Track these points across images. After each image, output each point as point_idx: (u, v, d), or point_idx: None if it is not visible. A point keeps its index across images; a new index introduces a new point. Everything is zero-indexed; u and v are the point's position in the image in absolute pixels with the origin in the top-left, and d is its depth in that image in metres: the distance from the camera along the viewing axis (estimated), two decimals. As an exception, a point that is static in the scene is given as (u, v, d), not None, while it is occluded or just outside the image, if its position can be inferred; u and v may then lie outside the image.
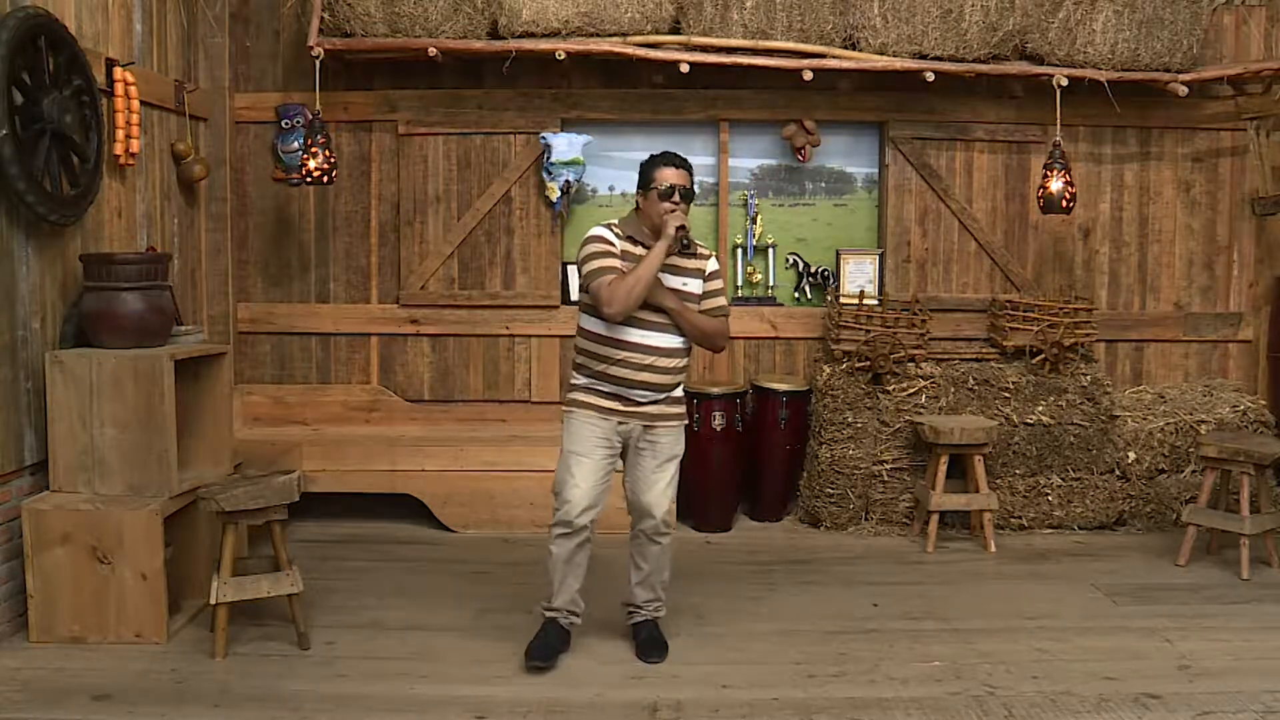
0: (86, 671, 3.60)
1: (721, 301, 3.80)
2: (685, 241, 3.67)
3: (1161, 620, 4.16)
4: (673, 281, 3.69)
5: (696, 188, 5.95)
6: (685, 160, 3.73)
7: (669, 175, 3.65)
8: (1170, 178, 5.95)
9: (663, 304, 3.63)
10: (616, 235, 3.71)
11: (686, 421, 3.85)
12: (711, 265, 3.79)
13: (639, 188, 3.73)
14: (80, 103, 4.13)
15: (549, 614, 3.78)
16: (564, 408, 3.80)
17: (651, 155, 3.75)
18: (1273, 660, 3.76)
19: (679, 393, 3.79)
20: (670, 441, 3.75)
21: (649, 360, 3.65)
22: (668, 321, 3.66)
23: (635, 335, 3.64)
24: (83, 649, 3.79)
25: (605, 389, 3.69)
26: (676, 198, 3.64)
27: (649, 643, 3.79)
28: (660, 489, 3.74)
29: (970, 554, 5.12)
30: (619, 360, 3.65)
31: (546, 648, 3.70)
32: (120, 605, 3.83)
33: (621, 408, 3.70)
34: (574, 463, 3.68)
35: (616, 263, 3.63)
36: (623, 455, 3.79)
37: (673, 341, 3.69)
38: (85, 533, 3.81)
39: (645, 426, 3.72)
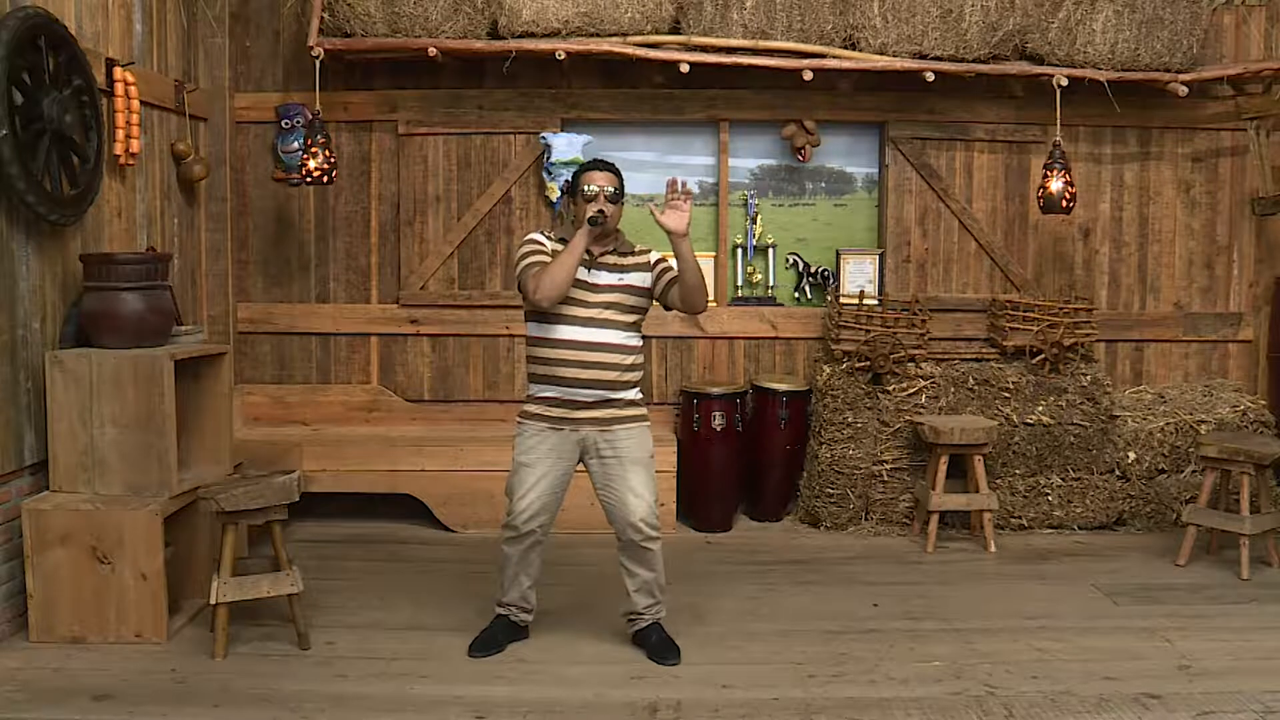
0: (86, 671, 3.60)
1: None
2: (599, 220, 3.64)
3: (1161, 620, 4.16)
4: (610, 278, 3.72)
5: (697, 187, 6.06)
6: (611, 165, 3.81)
7: (594, 179, 3.72)
8: (1170, 178, 5.95)
9: (681, 256, 3.62)
10: (548, 238, 3.80)
11: (649, 424, 3.83)
12: (655, 255, 3.83)
13: (569, 195, 3.82)
14: (80, 103, 4.12)
15: (499, 610, 3.91)
16: (518, 418, 3.85)
17: (581, 164, 3.86)
18: (1273, 660, 3.76)
19: (634, 395, 3.78)
20: (633, 444, 3.73)
21: (589, 357, 3.67)
22: (607, 318, 3.69)
23: (573, 333, 3.67)
24: (83, 649, 3.79)
25: (552, 395, 3.73)
26: (602, 199, 3.69)
27: (661, 645, 3.79)
28: (632, 491, 3.70)
29: (970, 554, 5.12)
30: (560, 360, 3.69)
31: (489, 641, 3.84)
32: (120, 605, 3.83)
33: (571, 414, 3.71)
34: (523, 472, 3.75)
35: (546, 259, 3.70)
36: (587, 468, 3.79)
37: (613, 337, 3.69)
38: (85, 533, 3.81)
39: (601, 432, 3.72)
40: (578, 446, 3.75)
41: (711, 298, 5.97)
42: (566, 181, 5.67)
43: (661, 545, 3.81)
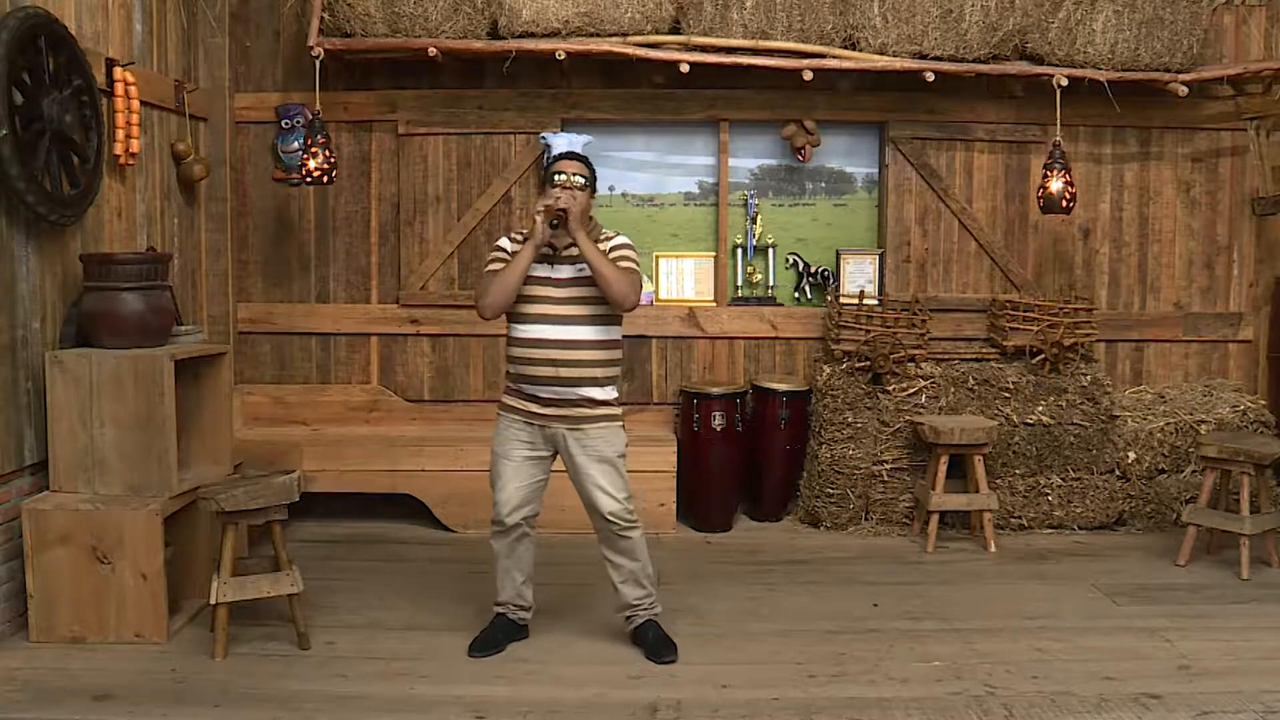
0: (86, 671, 3.60)
1: (626, 264, 3.72)
2: (555, 221, 3.64)
3: (1161, 620, 4.16)
4: (571, 271, 3.70)
5: (697, 187, 6.05)
6: (580, 156, 3.85)
7: (564, 166, 3.74)
8: (1170, 178, 5.95)
9: (579, 246, 3.61)
10: (514, 239, 3.81)
11: (621, 423, 3.80)
12: (614, 243, 3.76)
13: (541, 187, 3.88)
14: (80, 103, 4.13)
15: (497, 608, 3.92)
16: (497, 410, 3.88)
17: (554, 156, 3.88)
18: (1273, 660, 3.76)
19: (602, 394, 3.73)
20: (599, 442, 3.71)
21: (548, 354, 3.66)
22: (570, 314, 3.67)
23: (536, 330, 3.68)
24: (83, 649, 3.79)
25: (524, 390, 3.75)
26: (570, 188, 3.68)
27: (657, 642, 3.79)
28: (599, 490, 3.70)
29: (970, 554, 5.12)
30: (523, 358, 3.71)
31: (487, 641, 3.84)
32: (120, 605, 3.84)
33: (538, 410, 3.73)
34: (499, 464, 3.80)
35: (500, 268, 3.75)
36: (563, 462, 3.80)
37: (576, 333, 3.67)
38: (85, 533, 3.82)
39: (569, 429, 3.71)
40: (549, 441, 3.76)
41: (711, 297, 6.00)
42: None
43: (643, 535, 3.80)
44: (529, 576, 3.90)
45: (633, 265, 3.73)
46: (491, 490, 3.83)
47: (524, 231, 3.80)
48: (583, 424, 3.71)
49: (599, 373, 3.72)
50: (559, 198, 3.65)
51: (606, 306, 3.72)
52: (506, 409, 3.82)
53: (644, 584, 3.84)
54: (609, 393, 3.77)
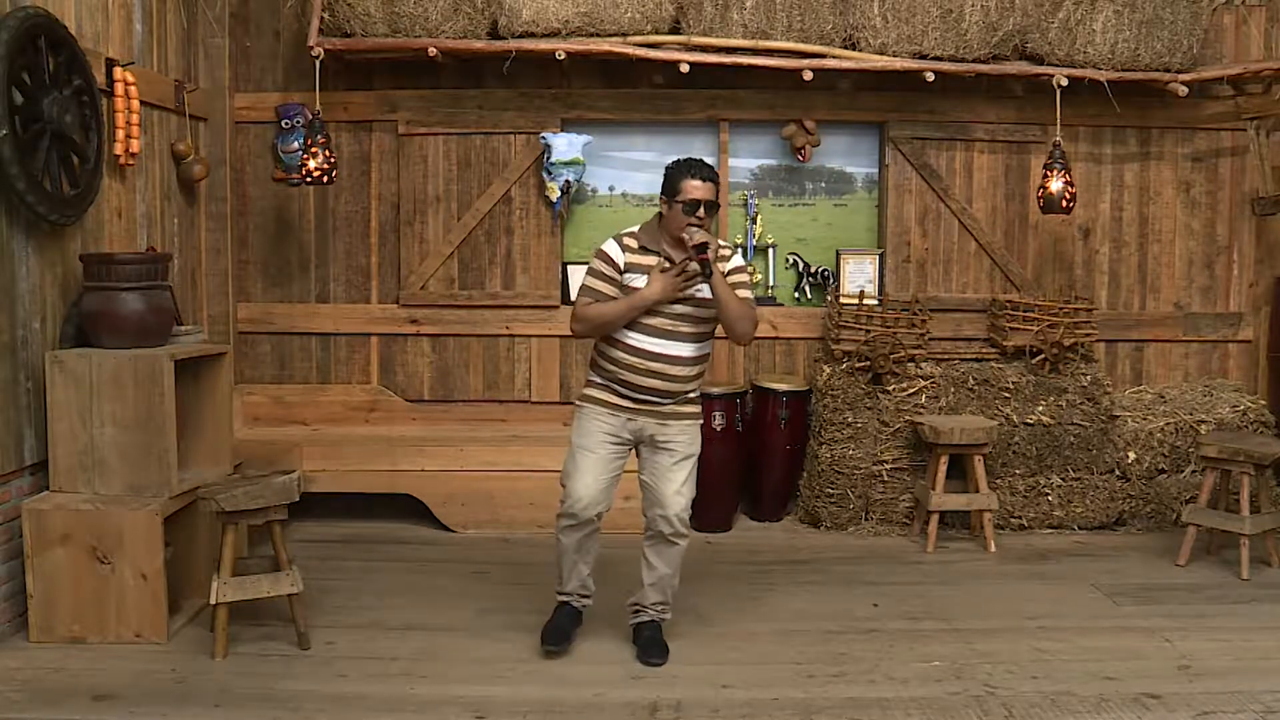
0: (86, 671, 3.60)
1: (744, 291, 3.71)
2: (708, 271, 3.54)
3: (1161, 620, 4.16)
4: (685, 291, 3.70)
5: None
6: (712, 171, 3.69)
7: (694, 189, 3.61)
8: (1170, 178, 5.95)
9: (713, 287, 3.55)
10: (627, 247, 3.73)
11: (702, 421, 3.86)
12: (731, 264, 3.74)
13: (663, 193, 3.71)
14: (80, 103, 4.12)
15: (561, 597, 3.87)
16: (576, 402, 3.86)
17: (678, 161, 3.70)
18: (1273, 660, 3.76)
19: (694, 394, 3.81)
20: (686, 440, 3.76)
21: (656, 367, 3.67)
22: (676, 330, 3.68)
23: (644, 342, 3.67)
24: (83, 649, 3.79)
25: (616, 389, 3.76)
26: (701, 212, 3.62)
27: (650, 644, 3.79)
28: (675, 486, 3.73)
29: (970, 554, 5.12)
30: (626, 364, 3.70)
31: (559, 631, 3.80)
32: (120, 605, 3.83)
33: (631, 405, 3.74)
34: (580, 456, 3.75)
35: (604, 286, 3.70)
36: (638, 453, 3.81)
37: (682, 350, 3.69)
38: (85, 533, 3.81)
39: (658, 424, 3.74)
40: (634, 435, 3.76)
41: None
42: (567, 182, 5.69)
43: (685, 551, 3.79)
44: (593, 566, 3.87)
45: (749, 292, 3.74)
46: (564, 484, 3.77)
47: (639, 235, 3.73)
48: (670, 420, 3.74)
49: (692, 387, 3.78)
50: (694, 235, 3.56)
51: (710, 324, 3.73)
52: (592, 401, 3.79)
53: (665, 593, 3.85)
54: (696, 393, 3.83)
